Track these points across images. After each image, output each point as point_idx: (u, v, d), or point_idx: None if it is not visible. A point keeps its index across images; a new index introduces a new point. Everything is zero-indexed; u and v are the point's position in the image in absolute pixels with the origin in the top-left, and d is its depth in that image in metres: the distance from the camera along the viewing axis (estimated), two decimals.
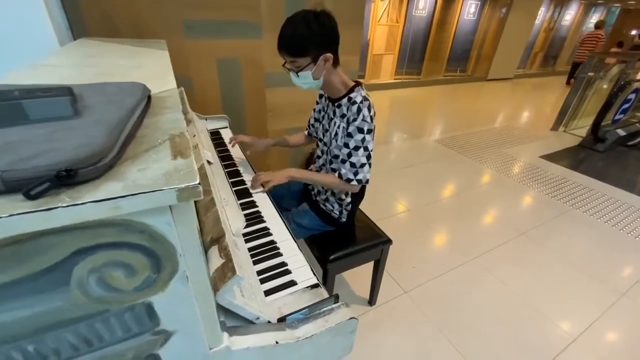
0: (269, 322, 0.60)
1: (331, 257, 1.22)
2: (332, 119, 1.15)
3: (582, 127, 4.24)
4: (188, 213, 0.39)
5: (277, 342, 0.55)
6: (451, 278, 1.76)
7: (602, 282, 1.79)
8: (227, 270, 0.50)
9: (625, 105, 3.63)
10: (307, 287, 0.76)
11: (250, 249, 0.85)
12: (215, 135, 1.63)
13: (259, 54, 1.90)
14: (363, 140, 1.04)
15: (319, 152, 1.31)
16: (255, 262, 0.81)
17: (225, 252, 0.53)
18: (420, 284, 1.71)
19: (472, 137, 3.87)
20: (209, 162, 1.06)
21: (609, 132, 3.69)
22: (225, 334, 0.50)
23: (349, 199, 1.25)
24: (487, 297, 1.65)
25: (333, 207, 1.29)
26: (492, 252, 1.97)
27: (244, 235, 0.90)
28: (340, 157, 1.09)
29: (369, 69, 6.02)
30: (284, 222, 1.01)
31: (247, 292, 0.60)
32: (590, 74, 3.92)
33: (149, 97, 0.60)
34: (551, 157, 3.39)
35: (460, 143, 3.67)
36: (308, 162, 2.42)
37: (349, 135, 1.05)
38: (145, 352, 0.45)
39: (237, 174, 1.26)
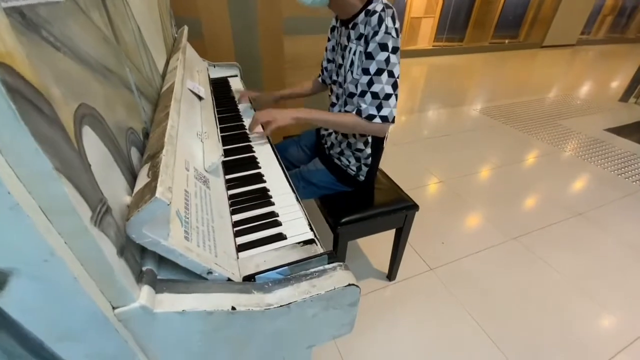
0: (228, 280, 0.42)
1: (343, 220, 1.03)
2: (346, 46, 0.92)
3: None
4: None
5: (233, 308, 0.38)
6: (486, 258, 1.51)
7: None
8: (146, 192, 0.32)
9: None
10: (299, 242, 0.58)
11: (232, 196, 0.68)
12: (223, 85, 1.45)
13: None
14: (387, 61, 0.80)
15: (333, 99, 1.09)
16: (235, 212, 0.64)
17: (154, 171, 0.35)
18: (449, 262, 1.48)
19: (521, 107, 3.38)
20: (199, 97, 0.88)
21: None
22: (147, 288, 0.33)
23: (368, 150, 1.03)
24: (528, 282, 1.39)
25: (349, 161, 1.08)
26: (538, 233, 1.67)
27: (229, 182, 0.73)
28: (359, 89, 0.85)
29: (405, 33, 5.48)
30: (284, 172, 0.82)
31: (200, 239, 0.42)
32: None
33: None
34: (619, 131, 2.87)
35: (506, 113, 3.22)
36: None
37: (369, 56, 0.81)
38: None
39: (237, 118, 1.08)
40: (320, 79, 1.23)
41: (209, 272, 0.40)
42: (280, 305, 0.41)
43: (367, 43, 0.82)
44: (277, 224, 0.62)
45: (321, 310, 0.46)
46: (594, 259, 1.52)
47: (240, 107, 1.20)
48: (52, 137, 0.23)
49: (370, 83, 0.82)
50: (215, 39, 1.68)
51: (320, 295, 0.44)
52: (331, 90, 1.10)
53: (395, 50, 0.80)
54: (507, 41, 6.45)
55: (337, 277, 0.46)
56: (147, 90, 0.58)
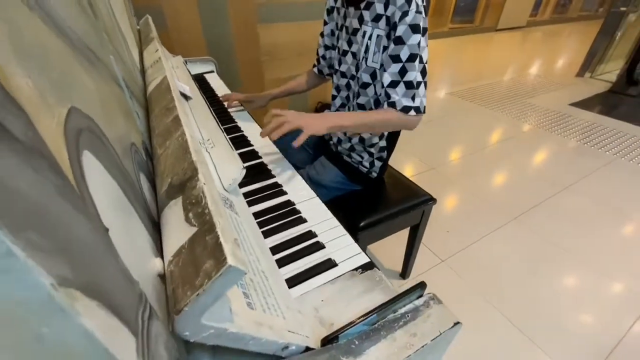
0: (306, 349, 0.30)
1: (362, 224, 0.92)
2: (357, 30, 0.79)
3: (609, 71, 3.84)
4: None
5: None
6: (494, 241, 1.49)
7: None
8: (201, 254, 0.19)
9: None
10: (356, 269, 0.46)
11: (255, 215, 0.54)
12: (201, 82, 1.27)
13: None
14: (419, 44, 0.69)
15: (333, 92, 0.96)
16: (265, 235, 0.51)
17: (197, 212, 0.22)
18: (459, 250, 1.43)
19: (490, 88, 3.48)
20: (185, 96, 0.72)
21: None
22: None
23: (382, 143, 0.93)
24: (539, 261, 1.38)
25: (362, 157, 0.97)
26: (536, 210, 1.68)
27: (246, 196, 0.59)
28: (389, 79, 0.73)
29: None
30: (304, 180, 0.70)
31: (262, 299, 0.29)
32: (623, 8, 3.45)
33: None
34: (582, 104, 3.03)
35: (477, 95, 3.29)
36: None
37: (399, 41, 0.70)
38: None
39: (229, 118, 0.92)
40: (316, 70, 1.09)
41: (285, 348, 0.27)
42: None
43: (390, 25, 0.70)
44: (320, 246, 0.50)
45: None
46: (591, 230, 1.56)
47: (230, 110, 1.04)
48: (34, 195, 0.10)
49: (403, 71, 0.71)
50: (182, 31, 1.48)
51: (425, 346, 0.32)
52: (333, 82, 0.97)
53: (425, 31, 0.70)
54: (463, 22, 6.66)
55: (435, 315, 0.35)
56: (134, 88, 0.42)
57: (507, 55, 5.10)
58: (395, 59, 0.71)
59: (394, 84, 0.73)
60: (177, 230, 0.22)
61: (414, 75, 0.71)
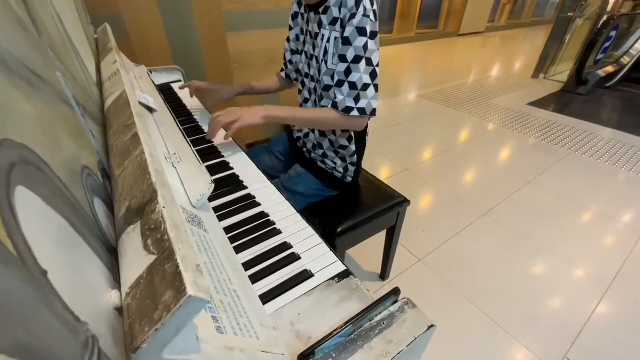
0: None
1: (339, 229, 0.93)
2: (317, 34, 0.81)
3: (560, 72, 4.15)
4: None
5: None
6: (466, 238, 1.55)
7: (619, 222, 1.66)
8: (159, 285, 0.18)
9: (607, 44, 3.52)
10: (332, 278, 0.46)
11: (226, 230, 0.53)
12: (167, 92, 1.23)
13: None
14: (365, 47, 0.71)
15: (305, 94, 0.97)
16: (238, 250, 0.49)
17: (156, 239, 0.20)
18: (435, 249, 1.48)
19: (457, 90, 3.64)
20: (149, 109, 0.69)
21: (591, 74, 3.60)
22: None
23: (352, 147, 0.94)
24: (509, 254, 1.46)
25: (335, 163, 0.97)
26: (503, 205, 1.77)
27: (214, 210, 0.58)
28: (336, 79, 0.76)
29: None
30: (274, 185, 0.69)
31: (233, 320, 0.28)
32: (570, 14, 3.75)
33: None
34: (538, 104, 3.25)
35: (445, 96, 3.43)
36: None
37: (346, 41, 0.72)
38: None
39: (197, 129, 0.90)
40: (283, 74, 1.10)
41: None
42: None
43: (343, 28, 0.72)
44: (296, 257, 0.49)
45: None
46: (553, 221, 1.66)
47: (197, 116, 1.01)
48: None
49: (347, 71, 0.73)
50: (144, 39, 1.42)
51: (401, 352, 0.33)
52: (302, 85, 0.97)
53: (373, 35, 0.72)
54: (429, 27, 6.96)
55: (411, 321, 0.36)
56: (89, 104, 0.40)
57: (469, 58, 5.37)
58: (342, 58, 0.73)
59: (340, 83, 0.75)
60: (136, 258, 0.21)
61: (358, 76, 0.73)
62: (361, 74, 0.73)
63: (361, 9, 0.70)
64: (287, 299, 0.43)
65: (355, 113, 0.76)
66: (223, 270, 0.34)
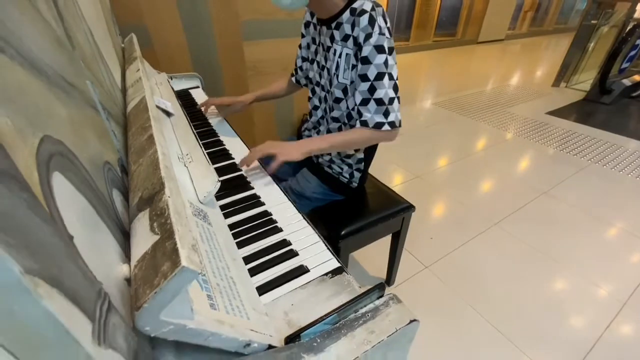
0: (269, 347, 0.32)
1: (343, 232, 0.95)
2: (329, 47, 0.84)
3: (582, 81, 4.03)
4: None
5: None
6: (475, 247, 1.53)
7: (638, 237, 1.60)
8: (161, 259, 0.22)
9: (632, 52, 3.40)
10: (326, 274, 0.49)
11: (231, 226, 0.57)
12: (185, 98, 1.30)
13: None
14: (386, 63, 0.74)
15: (315, 102, 1.01)
16: (241, 245, 0.53)
17: (161, 222, 0.24)
18: (442, 256, 1.47)
19: (473, 98, 3.60)
20: (167, 113, 0.75)
21: (615, 83, 3.48)
22: None
23: (359, 155, 0.97)
24: (520, 265, 1.43)
25: (341, 169, 1.00)
26: (515, 215, 1.74)
27: (223, 208, 0.62)
28: (360, 98, 0.78)
29: None
30: (279, 187, 0.73)
31: (227, 301, 0.31)
32: (594, 21, 3.65)
33: None
34: (558, 113, 3.17)
35: (460, 105, 3.40)
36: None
37: (365, 60, 0.75)
38: None
39: (212, 133, 0.95)
40: (294, 79, 1.14)
41: (247, 345, 0.29)
42: None
43: (357, 46, 0.75)
44: (294, 254, 0.53)
45: (380, 357, 0.38)
46: (566, 233, 1.62)
47: (212, 120, 1.07)
48: (7, 208, 0.12)
49: (372, 89, 0.76)
50: (167, 48, 1.52)
51: (381, 342, 0.35)
52: (313, 92, 1.01)
53: (391, 51, 0.75)
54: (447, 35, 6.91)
55: (394, 314, 0.38)
56: (113, 109, 0.45)
57: (487, 66, 5.30)
58: (364, 77, 0.76)
59: (365, 102, 0.77)
60: (143, 238, 0.25)
61: (383, 92, 0.75)
62: (386, 89, 0.76)
63: (376, 28, 0.73)
64: (282, 291, 0.46)
65: (387, 127, 0.78)
66: (222, 259, 0.38)
